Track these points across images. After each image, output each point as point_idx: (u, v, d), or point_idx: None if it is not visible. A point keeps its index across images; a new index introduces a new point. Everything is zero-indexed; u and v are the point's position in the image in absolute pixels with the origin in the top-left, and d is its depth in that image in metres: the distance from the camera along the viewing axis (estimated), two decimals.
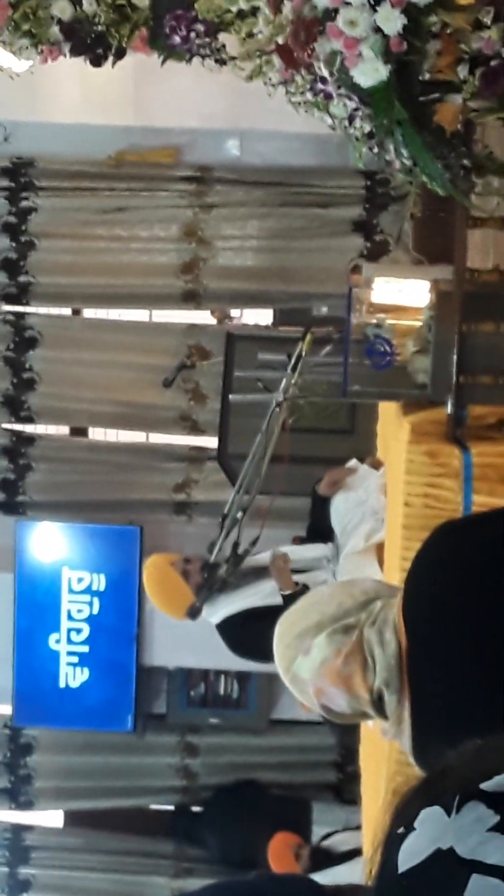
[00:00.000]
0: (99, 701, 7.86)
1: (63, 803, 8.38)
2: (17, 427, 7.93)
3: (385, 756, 4.32)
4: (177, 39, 4.81)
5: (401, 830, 1.22)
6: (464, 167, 3.92)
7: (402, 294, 4.65)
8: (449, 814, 1.18)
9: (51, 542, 7.79)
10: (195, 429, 7.81)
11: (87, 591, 7.78)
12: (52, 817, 8.62)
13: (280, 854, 6.54)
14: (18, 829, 8.23)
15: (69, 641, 7.84)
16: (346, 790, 7.95)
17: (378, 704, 2.48)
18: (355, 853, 6.39)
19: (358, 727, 5.04)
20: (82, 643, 7.84)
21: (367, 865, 1.30)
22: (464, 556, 2.46)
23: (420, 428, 4.38)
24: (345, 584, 2.71)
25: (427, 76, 3.73)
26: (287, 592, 5.33)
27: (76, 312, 8.17)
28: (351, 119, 3.89)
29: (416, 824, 1.20)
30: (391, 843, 1.23)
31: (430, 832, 1.19)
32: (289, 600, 4.89)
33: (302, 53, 3.85)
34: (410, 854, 1.19)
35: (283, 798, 8.01)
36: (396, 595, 2.53)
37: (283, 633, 2.57)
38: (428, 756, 2.45)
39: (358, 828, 6.64)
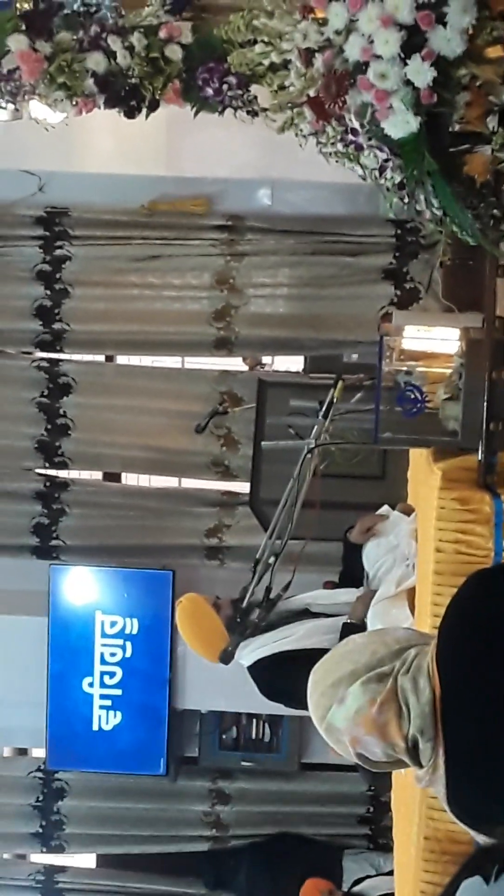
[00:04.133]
0: (131, 744, 7.86)
1: (94, 848, 8.39)
2: (51, 472, 7.98)
3: (417, 802, 4.32)
4: (209, 91, 4.86)
5: None
6: (493, 217, 3.95)
7: (433, 341, 4.67)
8: (487, 882, 1.21)
9: (84, 587, 7.82)
10: (227, 474, 7.83)
11: (120, 634, 7.80)
12: (84, 858, 8.63)
13: None
14: (51, 871, 8.24)
15: (102, 685, 7.85)
16: (378, 836, 7.93)
17: (413, 752, 2.49)
18: None
19: (389, 774, 5.03)
20: (115, 686, 7.85)
21: None
22: (497, 605, 2.48)
23: (451, 475, 4.40)
24: (378, 633, 2.72)
25: (457, 128, 3.77)
26: (353, 621, 5.33)
27: (109, 359, 8.22)
28: (381, 170, 3.93)
29: (458, 894, 1.24)
30: None
31: None
32: (346, 632, 4.91)
33: (333, 106, 3.89)
34: None
35: (313, 843, 7.98)
36: (430, 643, 2.54)
37: (317, 681, 2.59)
38: (462, 803, 2.46)
39: (390, 873, 6.61)
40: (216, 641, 5.61)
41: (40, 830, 8.17)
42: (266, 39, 4.44)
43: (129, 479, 8.40)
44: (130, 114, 5.02)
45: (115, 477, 8.37)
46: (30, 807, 8.19)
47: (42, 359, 7.86)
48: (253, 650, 5.59)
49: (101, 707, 7.86)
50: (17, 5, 4.84)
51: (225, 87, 4.83)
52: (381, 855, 7.70)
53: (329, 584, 6.31)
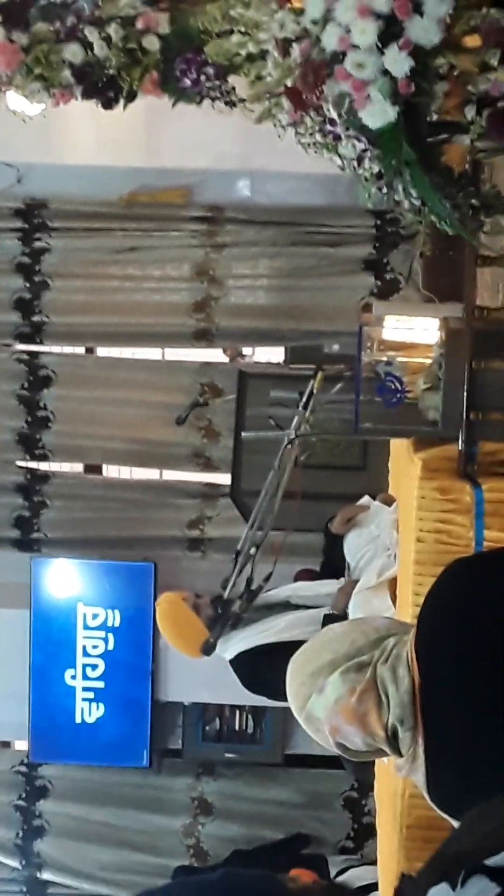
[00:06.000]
0: (115, 736, 7.86)
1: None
2: (32, 465, 7.97)
3: (399, 792, 4.33)
4: (187, 82, 4.85)
5: None
6: (472, 207, 3.95)
7: (413, 332, 4.68)
8: (454, 888, 1.22)
9: (65, 579, 7.81)
10: (208, 466, 7.83)
11: (102, 626, 7.80)
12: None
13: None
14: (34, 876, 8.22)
15: (84, 677, 7.85)
16: (360, 826, 7.94)
17: (393, 741, 2.49)
18: (371, 888, 6.36)
19: (372, 764, 5.04)
20: (98, 679, 7.85)
21: None
22: (476, 593, 2.48)
23: (431, 464, 4.40)
24: (357, 622, 2.72)
25: (435, 117, 3.76)
26: (334, 612, 5.33)
27: (89, 351, 8.22)
28: (360, 160, 3.92)
29: None
30: None
31: None
32: (327, 623, 4.90)
33: (311, 96, 3.88)
34: None
35: (290, 839, 7.97)
36: (409, 632, 2.55)
37: (296, 671, 2.59)
38: (442, 792, 2.46)
39: (374, 862, 6.62)
40: (197, 639, 5.60)
41: (20, 842, 8.12)
42: (243, 29, 4.44)
43: (111, 471, 8.39)
44: (108, 105, 5.01)
45: (96, 469, 8.36)
46: (12, 807, 8.15)
47: (22, 351, 7.86)
48: (234, 643, 5.59)
49: (84, 699, 7.85)
50: None
51: (203, 77, 4.82)
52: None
53: (303, 572, 6.32)
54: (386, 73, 3.61)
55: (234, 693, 6.04)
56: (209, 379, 7.76)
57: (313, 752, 7.43)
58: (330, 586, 5.61)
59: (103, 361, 8.16)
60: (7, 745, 8.57)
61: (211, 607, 5.60)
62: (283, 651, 3.88)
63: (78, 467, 8.36)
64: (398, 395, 4.54)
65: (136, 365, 8.04)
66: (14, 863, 8.12)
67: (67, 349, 8.06)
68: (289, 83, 4.01)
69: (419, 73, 3.62)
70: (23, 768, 8.17)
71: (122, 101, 4.97)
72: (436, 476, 4.36)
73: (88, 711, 7.85)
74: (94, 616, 7.77)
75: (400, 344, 4.69)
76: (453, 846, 1.33)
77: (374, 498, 5.72)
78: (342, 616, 5.25)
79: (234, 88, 4.85)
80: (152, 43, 4.82)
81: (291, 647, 2.74)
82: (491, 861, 1.23)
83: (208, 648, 5.59)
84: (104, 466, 8.35)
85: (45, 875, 8.11)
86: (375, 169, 3.87)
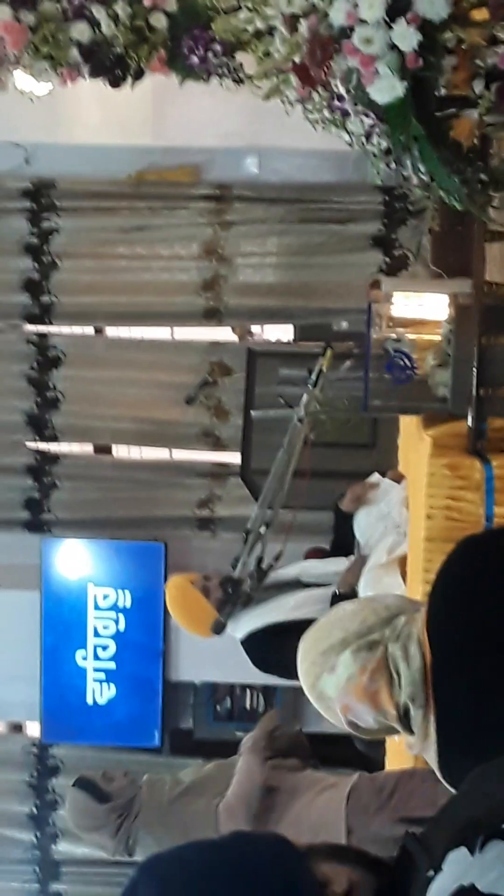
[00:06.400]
0: (126, 717, 7.88)
1: None
2: (42, 446, 7.96)
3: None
4: (195, 60, 4.84)
5: (430, 873, 1.26)
6: (480, 181, 3.94)
7: (422, 308, 4.66)
8: (473, 853, 1.22)
9: (76, 560, 7.82)
10: (218, 445, 7.83)
11: (113, 607, 7.81)
12: None
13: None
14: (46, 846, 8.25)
15: (96, 658, 7.86)
16: None
17: (404, 719, 2.49)
18: None
19: (384, 742, 5.04)
20: (109, 659, 7.86)
21: None
22: (487, 570, 2.47)
23: (441, 441, 4.40)
24: (368, 600, 2.71)
25: (443, 92, 3.75)
26: (343, 591, 5.33)
27: (98, 331, 8.20)
28: (368, 136, 3.91)
29: (444, 866, 1.25)
30: (421, 886, 1.27)
31: (455, 872, 1.23)
32: (336, 601, 4.91)
33: (318, 71, 3.87)
34: (437, 894, 1.23)
35: None
36: (420, 610, 2.54)
37: (307, 650, 2.58)
38: (454, 769, 2.46)
39: None
40: (207, 619, 5.60)
41: (35, 811, 8.17)
42: (250, 6, 4.42)
43: (120, 451, 8.38)
44: (116, 83, 5.00)
45: (105, 449, 8.35)
46: (25, 784, 8.18)
47: (31, 332, 7.85)
48: (245, 622, 5.59)
49: (95, 680, 7.87)
50: None
51: (210, 54, 4.81)
52: None
53: (313, 552, 6.31)
54: (394, 47, 3.60)
55: (245, 672, 6.05)
56: (218, 358, 7.75)
57: (325, 731, 7.44)
58: (339, 564, 5.60)
59: (112, 342, 8.15)
60: (19, 726, 8.59)
61: (220, 589, 5.59)
62: (293, 630, 3.87)
63: (87, 448, 8.35)
64: (407, 372, 4.54)
65: (145, 345, 8.03)
66: (29, 836, 8.16)
67: (76, 329, 8.05)
68: (296, 59, 4.00)
69: (427, 47, 3.61)
70: (34, 749, 8.19)
71: (129, 80, 4.96)
72: (445, 453, 4.36)
73: (100, 692, 7.87)
74: (105, 597, 7.78)
75: (409, 321, 4.68)
76: (467, 811, 1.33)
77: (383, 475, 5.72)
78: (351, 594, 5.24)
79: (241, 65, 4.83)
80: (160, 20, 4.81)
81: (302, 625, 2.74)
82: None
83: (219, 628, 5.58)
84: (114, 447, 8.34)
85: (61, 846, 8.15)
86: (384, 144, 3.87)
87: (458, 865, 1.24)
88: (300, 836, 1.56)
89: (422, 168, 3.84)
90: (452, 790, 2.47)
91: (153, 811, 4.45)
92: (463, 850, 1.24)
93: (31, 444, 7.95)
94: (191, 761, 8.12)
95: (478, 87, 3.72)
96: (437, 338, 4.56)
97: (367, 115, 3.82)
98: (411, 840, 1.37)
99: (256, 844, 1.55)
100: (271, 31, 4.30)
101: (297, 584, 5.67)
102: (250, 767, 4.41)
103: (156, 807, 4.45)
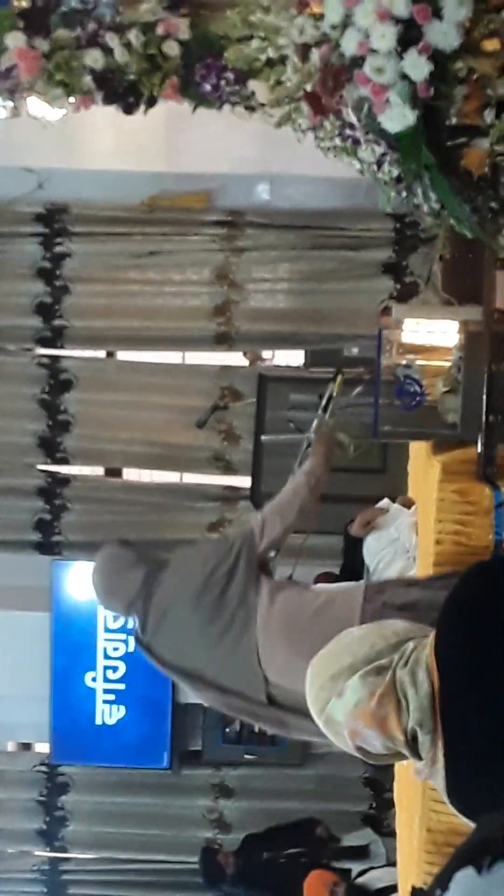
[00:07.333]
0: (135, 738, 7.89)
1: (97, 851, 8.36)
2: (53, 468, 7.99)
3: (419, 794, 4.33)
4: (207, 87, 4.87)
5: (437, 892, 1.28)
6: (491, 210, 3.95)
7: (432, 335, 4.67)
8: (480, 873, 1.23)
9: (86, 582, 7.82)
10: (228, 469, 7.84)
11: (123, 629, 7.81)
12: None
13: (315, 891, 6.53)
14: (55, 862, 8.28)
15: (105, 679, 7.87)
16: (381, 801, 7.98)
17: (412, 745, 2.49)
18: (391, 890, 6.37)
19: (392, 765, 5.04)
20: (118, 681, 7.87)
21: None
22: (496, 597, 2.48)
23: (450, 467, 4.40)
24: (376, 626, 2.72)
25: (454, 121, 3.77)
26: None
27: (110, 355, 8.23)
28: (379, 164, 3.93)
29: (451, 885, 1.26)
30: None
31: (462, 891, 1.25)
32: None
33: (330, 100, 3.89)
34: None
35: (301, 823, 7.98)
36: (428, 635, 2.54)
37: (315, 675, 2.59)
38: (461, 795, 2.46)
39: (394, 864, 6.62)
40: None
41: (44, 827, 8.19)
42: (263, 35, 4.46)
43: (131, 474, 8.40)
44: (129, 110, 5.03)
45: (116, 472, 8.37)
46: (34, 802, 8.20)
47: (43, 355, 7.88)
48: None
49: (105, 702, 7.88)
50: (15, 3, 4.86)
51: (223, 82, 4.84)
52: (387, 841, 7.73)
53: (322, 576, 6.32)
54: (405, 77, 3.62)
55: None
56: (229, 382, 7.77)
57: (332, 751, 7.44)
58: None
59: (124, 365, 8.18)
60: (28, 746, 8.60)
61: None
62: None
63: (98, 470, 8.38)
64: (417, 398, 4.55)
65: (157, 369, 8.05)
66: (39, 849, 8.21)
67: (88, 353, 8.08)
68: (308, 88, 4.03)
69: (438, 76, 3.63)
70: (43, 768, 8.20)
71: (142, 107, 5.00)
72: (455, 478, 4.37)
73: (109, 713, 7.88)
74: (115, 618, 7.79)
75: (419, 347, 4.70)
76: (479, 834, 1.35)
77: (393, 500, 5.72)
78: None
79: (253, 93, 4.86)
80: (172, 48, 4.84)
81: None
82: None
83: None
84: (124, 470, 8.36)
85: (73, 853, 8.18)
86: (395, 172, 3.88)
87: (465, 885, 1.26)
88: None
89: (432, 196, 3.86)
90: (460, 816, 2.48)
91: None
92: (470, 870, 1.26)
93: (43, 467, 7.98)
94: (200, 772, 8.16)
95: (489, 116, 3.74)
96: (447, 364, 4.57)
97: (378, 144, 3.83)
98: (415, 891, 1.39)
99: None
100: (283, 59, 4.34)
101: None
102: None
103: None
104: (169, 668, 4.28)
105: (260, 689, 4.06)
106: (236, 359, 8.08)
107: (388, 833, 7.55)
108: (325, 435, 4.62)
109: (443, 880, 1.31)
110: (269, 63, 4.50)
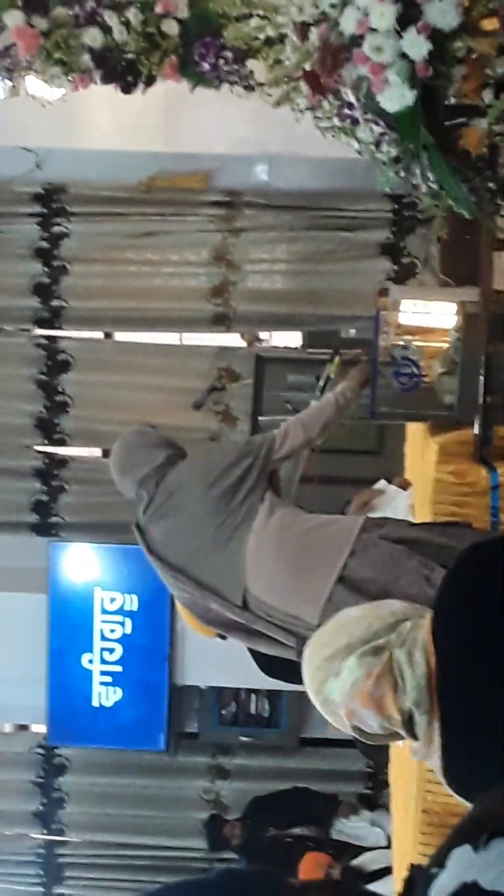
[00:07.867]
0: (132, 720, 7.90)
1: (93, 834, 8.40)
2: (50, 449, 7.98)
3: (415, 775, 4.34)
4: (206, 66, 4.84)
5: (434, 870, 1.28)
6: (489, 190, 3.95)
7: (430, 316, 4.68)
8: (476, 850, 1.23)
9: (83, 563, 7.84)
10: None
11: (120, 611, 7.82)
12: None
13: (311, 872, 6.55)
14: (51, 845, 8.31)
15: (102, 661, 7.88)
16: (376, 782, 8.02)
17: (409, 725, 2.49)
18: (385, 872, 6.39)
19: (387, 748, 5.05)
20: (115, 663, 7.88)
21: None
22: (492, 576, 2.48)
23: (447, 448, 4.41)
24: (373, 606, 2.72)
25: (452, 101, 3.76)
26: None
27: (108, 336, 8.22)
28: (377, 144, 3.92)
29: (447, 862, 1.26)
30: (425, 882, 1.29)
31: (458, 868, 1.25)
32: None
33: (329, 79, 3.88)
34: (440, 890, 1.25)
35: (313, 795, 8.01)
36: (425, 615, 2.54)
37: (312, 655, 2.59)
38: (458, 776, 2.46)
39: (388, 847, 6.64)
40: None
41: (41, 809, 8.21)
42: (262, 13, 4.44)
43: None
44: (127, 89, 5.00)
45: None
46: (31, 784, 8.22)
47: (40, 336, 7.87)
48: None
49: (102, 683, 7.89)
50: None
51: (221, 61, 4.81)
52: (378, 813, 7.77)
53: None
54: (404, 56, 3.61)
55: (251, 677, 6.05)
56: (226, 363, 7.77)
57: (329, 736, 7.46)
58: None
59: (121, 346, 8.17)
60: (25, 728, 8.62)
61: None
62: None
63: (96, 452, 8.37)
64: (414, 380, 4.55)
65: (154, 349, 8.05)
66: (36, 832, 8.23)
67: (86, 334, 8.07)
68: (307, 67, 4.02)
69: (437, 56, 3.62)
70: (40, 750, 8.22)
71: (141, 86, 4.97)
72: (452, 460, 4.37)
73: (106, 695, 7.89)
74: (112, 600, 7.80)
75: (417, 328, 4.70)
76: (475, 812, 1.35)
77: (390, 482, 5.73)
78: None
79: (252, 72, 4.83)
80: (171, 27, 4.81)
81: None
82: None
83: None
84: None
85: (70, 836, 8.21)
86: (393, 153, 3.87)
87: (461, 862, 1.26)
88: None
89: (430, 176, 3.85)
90: (456, 796, 2.48)
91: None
92: (466, 848, 1.26)
93: (40, 448, 7.97)
94: (197, 754, 8.18)
95: (487, 96, 3.73)
96: (445, 345, 4.57)
97: (376, 124, 3.82)
98: (413, 868, 1.40)
99: (246, 881, 1.57)
100: (282, 38, 4.32)
101: None
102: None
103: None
104: (154, 557, 4.29)
105: (237, 593, 4.08)
106: (234, 340, 8.07)
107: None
108: (365, 367, 4.65)
109: (440, 858, 1.31)
110: (268, 42, 4.48)
